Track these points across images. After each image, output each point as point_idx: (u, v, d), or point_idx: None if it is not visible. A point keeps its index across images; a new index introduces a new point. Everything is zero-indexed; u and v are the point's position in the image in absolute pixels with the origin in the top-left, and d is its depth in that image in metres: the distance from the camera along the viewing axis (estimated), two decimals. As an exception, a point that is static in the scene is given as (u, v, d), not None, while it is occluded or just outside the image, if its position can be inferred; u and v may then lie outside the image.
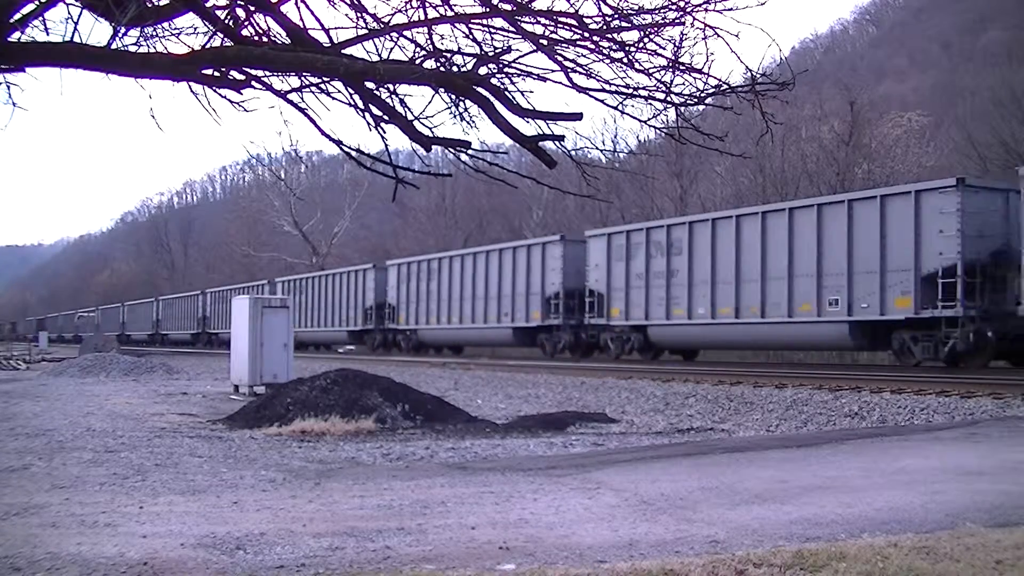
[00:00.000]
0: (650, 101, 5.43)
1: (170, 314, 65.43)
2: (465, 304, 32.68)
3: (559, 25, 5.09)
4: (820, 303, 19.80)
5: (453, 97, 5.39)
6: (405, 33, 5.35)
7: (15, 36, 4.52)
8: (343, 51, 5.12)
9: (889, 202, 18.68)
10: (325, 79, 5.24)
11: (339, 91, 5.36)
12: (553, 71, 5.21)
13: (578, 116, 5.21)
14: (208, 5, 5.04)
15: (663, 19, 5.03)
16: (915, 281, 17.92)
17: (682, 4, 4.96)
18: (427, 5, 5.16)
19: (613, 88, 5.28)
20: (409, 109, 5.44)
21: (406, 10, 5.22)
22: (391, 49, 5.33)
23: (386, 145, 5.66)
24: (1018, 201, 17.10)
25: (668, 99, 5.35)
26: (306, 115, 5.35)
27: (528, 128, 5.31)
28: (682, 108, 5.56)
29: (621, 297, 25.25)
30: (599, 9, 5.00)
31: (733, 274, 21.87)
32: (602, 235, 26.89)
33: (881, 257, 18.57)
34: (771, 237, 21.14)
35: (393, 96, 5.40)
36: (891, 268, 18.42)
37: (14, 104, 4.82)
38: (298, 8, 5.32)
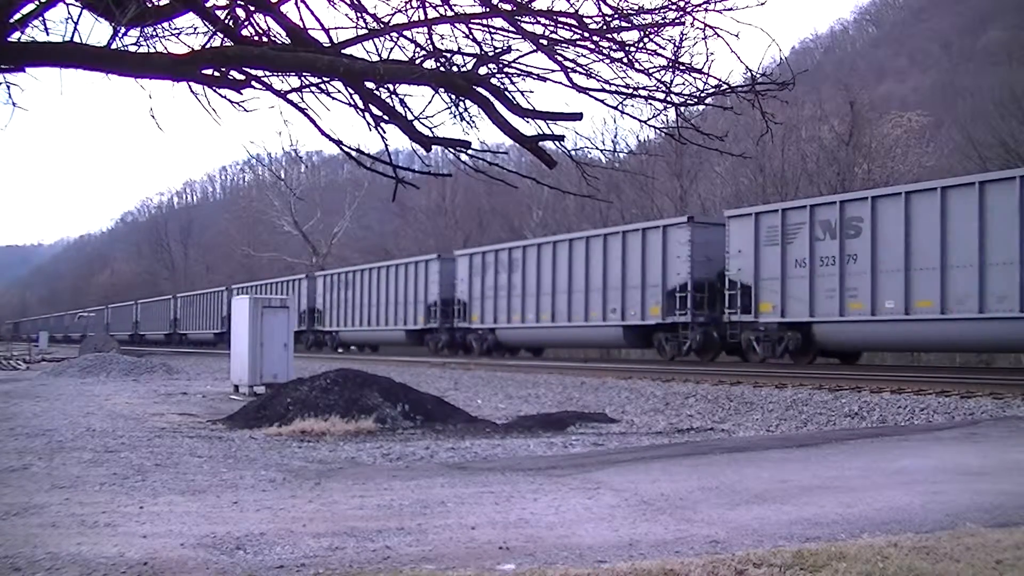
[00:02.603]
0: (650, 101, 5.44)
1: (190, 312, 61.29)
2: (559, 299, 28.09)
3: (559, 25, 5.09)
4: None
5: (453, 97, 5.40)
6: (405, 33, 5.35)
7: (15, 36, 4.53)
8: (343, 51, 5.13)
9: None
10: (325, 79, 5.24)
11: (339, 91, 5.37)
12: (553, 71, 5.21)
13: (578, 116, 5.21)
14: (208, 5, 5.04)
15: (663, 19, 5.03)
16: None
17: (682, 4, 4.96)
18: (427, 5, 5.16)
19: (613, 88, 5.28)
20: (409, 109, 5.45)
21: (406, 10, 5.22)
22: (391, 49, 5.34)
23: (386, 145, 5.66)
24: None
25: (668, 99, 5.36)
26: (306, 115, 5.35)
27: (528, 128, 5.32)
28: (682, 108, 5.57)
29: (775, 289, 21.14)
30: (599, 9, 5.00)
31: (937, 259, 17.90)
32: (747, 215, 22.52)
33: None
34: (993, 213, 17.17)
35: (393, 96, 5.41)
36: None
37: (14, 104, 4.83)
38: (298, 8, 5.33)
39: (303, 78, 5.30)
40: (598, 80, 5.24)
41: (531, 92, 5.41)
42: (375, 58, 5.25)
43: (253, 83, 5.08)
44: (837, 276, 19.75)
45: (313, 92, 5.38)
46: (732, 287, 22.29)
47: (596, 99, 5.34)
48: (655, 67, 5.22)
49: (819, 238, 20.29)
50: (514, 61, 5.30)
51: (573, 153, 5.93)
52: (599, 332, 27.05)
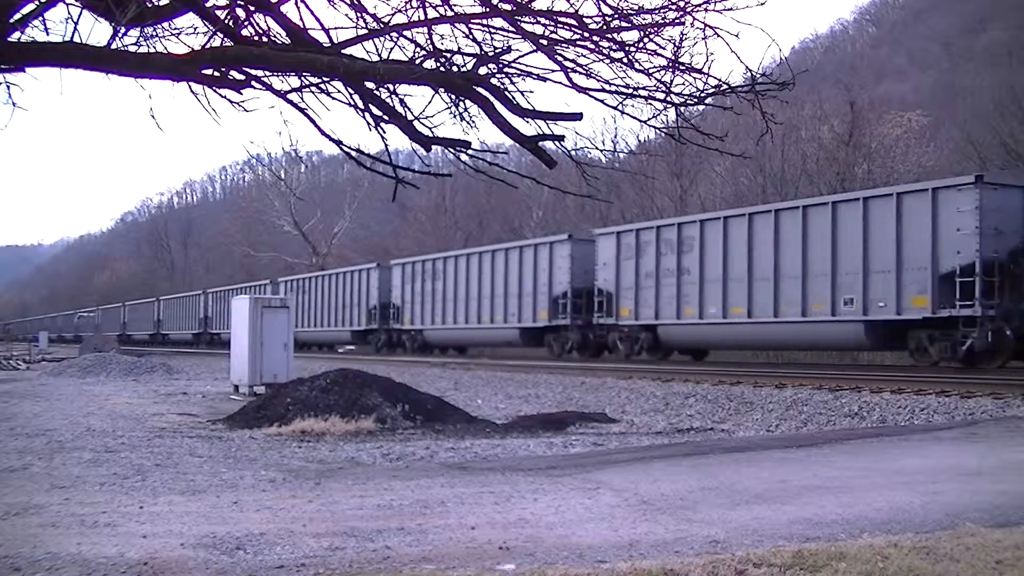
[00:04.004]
0: (650, 101, 5.44)
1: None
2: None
3: (559, 25, 5.09)
4: None
5: (453, 97, 5.40)
6: (405, 33, 5.35)
7: (15, 36, 4.53)
8: (343, 51, 5.13)
9: None
10: (325, 79, 5.24)
11: (339, 91, 5.37)
12: (553, 71, 5.22)
13: (578, 116, 5.21)
14: (208, 5, 5.04)
15: (663, 19, 5.03)
16: None
17: (682, 4, 4.96)
18: (427, 5, 5.16)
19: (613, 88, 5.28)
20: (409, 109, 5.45)
21: (406, 10, 5.22)
22: (391, 49, 5.34)
23: (386, 145, 5.67)
24: None
25: (668, 99, 5.36)
26: (306, 115, 5.35)
27: (528, 128, 5.32)
28: (682, 108, 5.57)
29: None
30: (599, 9, 5.01)
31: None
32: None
33: None
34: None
35: (393, 96, 5.41)
36: None
37: (14, 104, 4.83)
38: (298, 8, 5.33)
39: (303, 78, 5.30)
40: (598, 80, 5.25)
41: (531, 92, 5.41)
42: (375, 58, 5.25)
43: (253, 83, 5.08)
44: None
45: (313, 92, 5.39)
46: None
47: (596, 99, 5.35)
48: (655, 67, 5.22)
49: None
50: (514, 61, 5.30)
51: (573, 153, 5.93)
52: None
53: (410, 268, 35.63)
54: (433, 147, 5.61)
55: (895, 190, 19.34)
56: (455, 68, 5.33)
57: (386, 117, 5.39)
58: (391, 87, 5.32)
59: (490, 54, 5.30)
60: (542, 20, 5.10)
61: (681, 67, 5.20)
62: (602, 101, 5.35)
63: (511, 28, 5.14)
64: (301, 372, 16.89)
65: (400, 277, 36.10)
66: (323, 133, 5.43)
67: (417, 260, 35.85)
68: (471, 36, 5.34)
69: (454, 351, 35.10)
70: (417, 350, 34.82)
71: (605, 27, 5.06)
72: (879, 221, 18.66)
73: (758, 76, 5.32)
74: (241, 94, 5.09)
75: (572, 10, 5.01)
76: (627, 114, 5.83)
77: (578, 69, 5.17)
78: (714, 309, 22.12)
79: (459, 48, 5.37)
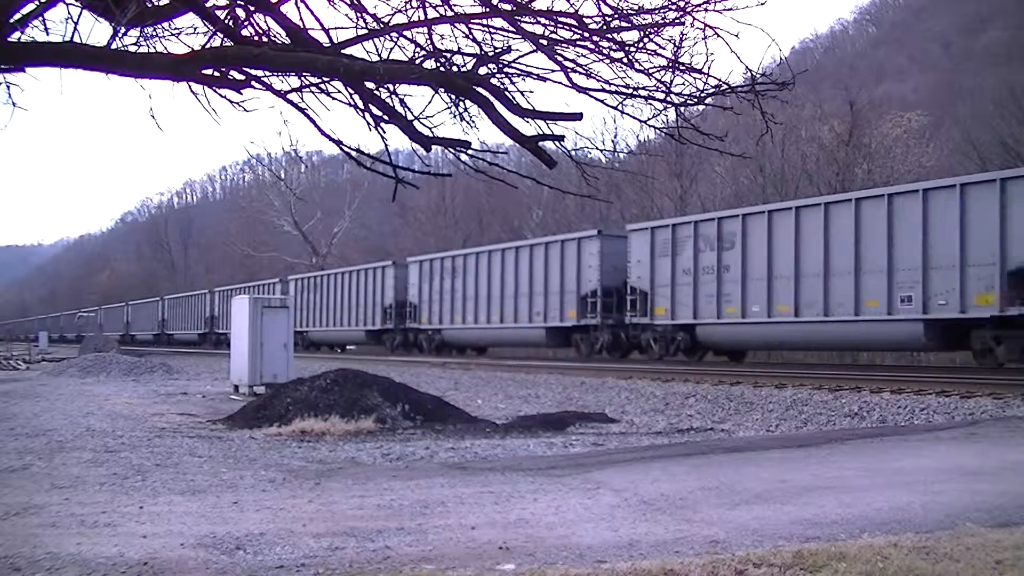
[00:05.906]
0: (650, 101, 5.44)
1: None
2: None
3: (559, 25, 5.09)
4: None
5: (453, 97, 5.40)
6: (405, 33, 5.35)
7: (15, 36, 4.53)
8: (343, 51, 5.13)
9: None
10: (325, 79, 5.24)
11: (339, 91, 5.37)
12: (553, 71, 5.22)
13: (578, 116, 5.21)
14: (208, 5, 5.04)
15: (663, 19, 5.04)
16: None
17: (682, 4, 4.97)
18: (427, 5, 5.16)
19: (613, 88, 5.28)
20: (409, 109, 5.45)
21: (406, 10, 5.23)
22: (391, 49, 5.35)
23: (386, 145, 5.66)
24: None
25: (668, 99, 5.36)
26: (306, 115, 5.35)
27: (528, 128, 5.32)
28: (682, 108, 5.57)
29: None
30: (599, 9, 5.01)
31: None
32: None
33: None
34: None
35: (393, 96, 5.41)
36: None
37: (14, 104, 4.83)
38: (298, 8, 5.34)
39: (303, 78, 5.30)
40: (598, 80, 5.25)
41: (531, 92, 5.41)
42: (375, 58, 5.26)
43: (253, 83, 5.08)
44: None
45: (313, 92, 5.39)
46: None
47: (596, 99, 5.35)
48: (655, 67, 5.22)
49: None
50: (514, 61, 5.30)
51: (573, 153, 5.93)
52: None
53: (668, 232, 24.18)
54: (433, 147, 5.61)
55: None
56: (455, 68, 5.33)
57: (386, 117, 5.39)
58: (391, 87, 5.33)
59: (490, 54, 5.30)
60: (542, 20, 5.11)
61: (681, 67, 5.20)
62: (602, 101, 5.36)
63: (511, 28, 5.14)
64: (301, 372, 16.90)
65: (646, 250, 24.66)
66: (323, 133, 5.43)
67: (682, 222, 24.46)
68: (471, 36, 5.35)
69: (728, 356, 25.09)
70: (670, 355, 24.11)
71: (605, 27, 5.07)
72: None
73: (758, 76, 5.33)
74: (241, 94, 5.10)
75: (572, 10, 5.02)
76: (627, 114, 5.84)
77: (578, 69, 5.17)
78: None
79: (459, 48, 5.38)
